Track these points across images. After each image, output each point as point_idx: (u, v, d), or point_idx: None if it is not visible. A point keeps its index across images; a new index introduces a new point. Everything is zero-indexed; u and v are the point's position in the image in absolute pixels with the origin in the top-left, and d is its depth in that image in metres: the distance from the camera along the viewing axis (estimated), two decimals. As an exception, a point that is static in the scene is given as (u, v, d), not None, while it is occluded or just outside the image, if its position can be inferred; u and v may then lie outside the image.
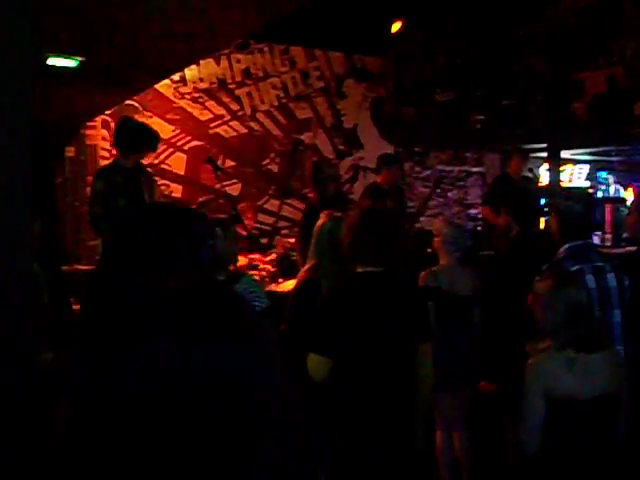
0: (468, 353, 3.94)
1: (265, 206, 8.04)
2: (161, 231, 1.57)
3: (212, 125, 7.73)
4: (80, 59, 4.46)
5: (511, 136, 7.53)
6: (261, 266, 5.63)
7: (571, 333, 2.60)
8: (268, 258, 5.88)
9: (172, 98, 7.45)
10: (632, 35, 6.40)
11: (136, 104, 7.07)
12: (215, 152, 7.50)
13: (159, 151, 7.31)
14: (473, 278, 4.07)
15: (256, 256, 5.74)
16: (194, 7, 3.67)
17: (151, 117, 7.26)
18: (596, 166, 9.80)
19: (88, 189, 5.60)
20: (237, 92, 7.91)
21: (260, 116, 8.06)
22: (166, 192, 7.37)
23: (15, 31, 1.89)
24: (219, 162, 7.17)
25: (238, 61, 7.88)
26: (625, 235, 6.30)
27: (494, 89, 7.71)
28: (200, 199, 6.07)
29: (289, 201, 8.14)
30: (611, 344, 2.90)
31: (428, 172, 9.19)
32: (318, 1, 4.72)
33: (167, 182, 7.42)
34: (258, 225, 7.57)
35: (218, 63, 7.71)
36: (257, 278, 5.05)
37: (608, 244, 6.50)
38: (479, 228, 7.78)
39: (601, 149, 8.50)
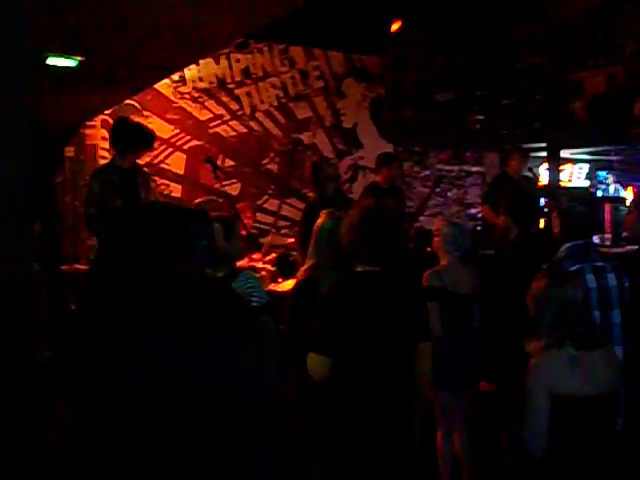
0: (469, 352, 3.95)
1: (264, 206, 8.04)
2: (154, 231, 1.57)
3: (211, 125, 7.73)
4: (79, 59, 4.46)
5: (510, 136, 7.53)
6: (260, 266, 5.63)
7: (566, 332, 2.60)
8: (267, 258, 5.88)
9: (172, 98, 7.45)
10: (631, 35, 6.40)
11: (136, 104, 7.07)
12: (214, 152, 7.51)
13: (158, 151, 7.33)
14: (473, 277, 4.07)
15: (255, 256, 5.74)
16: (193, 7, 3.67)
17: (150, 117, 7.26)
18: (596, 165, 9.81)
19: (87, 189, 5.59)
20: (236, 92, 7.91)
21: (259, 116, 8.06)
22: (165, 192, 7.37)
23: (14, 31, 1.89)
24: (218, 162, 7.18)
25: (237, 61, 7.88)
26: (625, 234, 6.29)
27: (494, 89, 7.70)
28: (197, 200, 6.05)
29: (289, 201, 8.14)
30: (608, 343, 2.90)
31: (427, 172, 9.19)
32: (317, 1, 4.71)
33: (166, 182, 7.42)
34: (257, 225, 7.57)
35: (217, 63, 7.71)
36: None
37: (607, 243, 6.49)
38: (478, 228, 7.78)
39: (600, 148, 8.50)
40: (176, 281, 1.55)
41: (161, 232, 1.57)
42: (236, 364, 1.52)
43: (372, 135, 8.83)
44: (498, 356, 4.13)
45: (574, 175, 9.75)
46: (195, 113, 7.62)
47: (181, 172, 7.53)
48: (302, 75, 8.36)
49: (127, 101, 6.76)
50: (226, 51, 7.60)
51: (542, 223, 6.53)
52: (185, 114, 7.54)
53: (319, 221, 3.44)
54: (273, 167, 8.17)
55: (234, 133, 7.88)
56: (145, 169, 5.30)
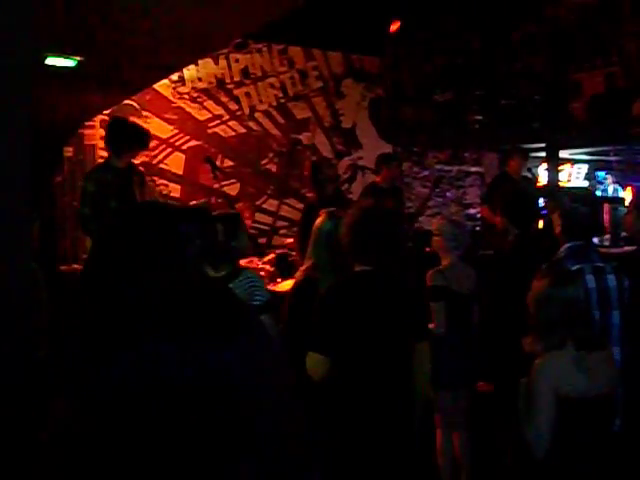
0: (469, 352, 3.95)
1: (263, 206, 8.04)
2: (145, 230, 1.57)
3: (210, 125, 7.73)
4: (79, 59, 4.46)
5: (509, 136, 7.54)
6: (259, 266, 5.62)
7: (567, 332, 2.60)
8: (266, 258, 5.88)
9: (171, 98, 7.44)
10: (631, 35, 6.41)
11: (135, 104, 7.07)
12: (213, 152, 7.51)
13: (157, 151, 7.33)
14: (473, 277, 4.08)
15: (254, 256, 5.74)
16: (193, 6, 3.67)
17: (149, 117, 7.26)
18: (594, 166, 9.82)
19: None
20: (235, 92, 7.91)
21: (259, 116, 8.06)
22: (164, 192, 7.37)
23: (13, 30, 1.89)
24: (217, 162, 7.18)
25: (237, 61, 7.88)
26: (624, 234, 6.30)
27: (493, 89, 7.71)
28: (192, 202, 6.03)
29: (287, 201, 8.14)
30: (608, 344, 2.90)
31: (426, 172, 9.19)
32: (316, 1, 4.71)
33: (165, 182, 7.42)
34: (256, 225, 7.57)
35: (217, 63, 7.71)
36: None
37: (606, 244, 6.50)
38: (478, 228, 7.78)
39: (599, 149, 8.51)
40: (169, 281, 1.55)
41: (152, 232, 1.57)
42: (233, 364, 1.52)
43: (371, 135, 8.83)
44: (496, 356, 4.13)
45: (573, 175, 9.76)
46: (194, 113, 7.62)
47: (180, 172, 7.52)
48: (301, 75, 8.36)
49: (126, 101, 6.75)
50: (225, 51, 7.61)
51: (541, 223, 6.55)
52: (184, 114, 7.54)
53: (318, 221, 3.44)
54: (272, 167, 8.17)
55: (233, 133, 7.88)
56: (141, 169, 5.28)
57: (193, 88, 7.59)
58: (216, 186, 6.67)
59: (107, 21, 3.82)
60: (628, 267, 3.36)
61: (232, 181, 7.72)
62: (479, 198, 8.73)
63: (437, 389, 3.85)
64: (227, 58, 7.79)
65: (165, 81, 6.99)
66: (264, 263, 5.74)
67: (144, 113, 7.22)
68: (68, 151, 6.86)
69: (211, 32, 4.19)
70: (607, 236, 6.56)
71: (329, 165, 6.20)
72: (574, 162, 9.62)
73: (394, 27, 8.08)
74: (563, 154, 8.27)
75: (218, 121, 7.78)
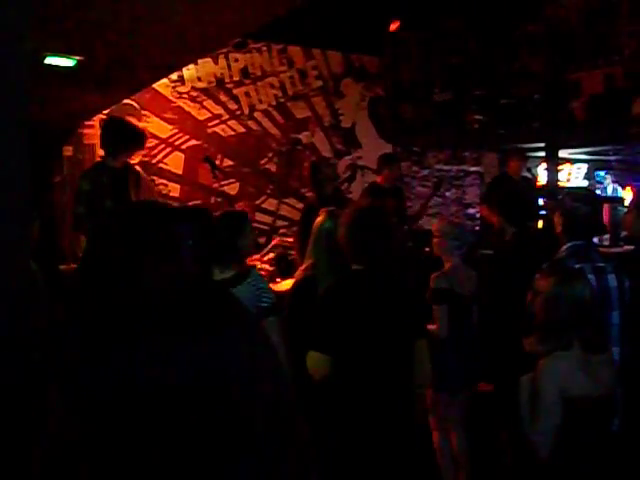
0: (469, 353, 3.93)
1: (263, 205, 8.04)
2: (139, 230, 1.57)
3: (210, 124, 7.73)
4: (78, 58, 4.45)
5: (509, 135, 7.54)
6: (259, 266, 5.62)
7: (574, 332, 2.59)
8: (266, 258, 5.88)
9: (170, 97, 7.44)
10: (630, 35, 6.41)
11: (134, 103, 7.06)
12: (213, 151, 7.51)
13: (157, 150, 7.33)
14: (474, 278, 4.06)
15: (254, 256, 5.73)
16: (192, 6, 3.67)
17: (149, 116, 7.26)
18: (594, 165, 9.81)
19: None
20: (235, 91, 7.90)
21: (258, 115, 8.06)
22: (164, 191, 7.37)
23: (13, 30, 1.89)
24: (217, 161, 7.18)
25: (236, 60, 7.88)
26: (623, 234, 6.31)
27: (492, 89, 7.71)
28: (189, 204, 6.01)
29: (287, 200, 8.14)
30: (610, 346, 2.90)
31: (426, 172, 9.19)
32: (316, 1, 4.71)
33: (165, 181, 7.42)
34: (256, 225, 7.56)
35: (216, 62, 7.71)
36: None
37: (606, 243, 6.51)
38: (477, 228, 7.78)
39: (599, 148, 8.50)
40: (164, 281, 1.55)
41: (146, 232, 1.57)
42: (231, 364, 1.52)
43: (371, 135, 8.83)
44: (496, 356, 4.12)
45: (572, 175, 9.75)
46: (193, 113, 7.61)
47: (179, 172, 7.52)
48: (300, 75, 8.36)
49: (125, 101, 6.75)
50: (224, 51, 7.60)
51: (540, 223, 6.55)
52: (183, 114, 7.54)
53: (318, 220, 3.44)
54: (272, 167, 8.17)
55: (233, 133, 7.88)
56: (137, 168, 5.27)
57: (192, 88, 7.58)
58: (215, 186, 6.67)
59: (106, 21, 3.82)
60: (628, 267, 3.35)
61: (231, 181, 7.71)
62: (479, 198, 8.74)
63: (438, 391, 3.85)
64: (226, 58, 7.79)
65: (164, 81, 6.98)
66: (263, 263, 5.74)
67: (143, 113, 7.21)
68: (68, 150, 6.86)
69: (211, 32, 4.18)
70: (606, 236, 6.56)
71: (328, 165, 6.21)
72: (573, 162, 9.61)
73: (394, 27, 8.09)
74: (562, 154, 8.26)
75: (217, 121, 7.78)
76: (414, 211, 7.76)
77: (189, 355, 1.47)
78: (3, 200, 1.84)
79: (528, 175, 7.23)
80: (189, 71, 7.44)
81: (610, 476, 2.66)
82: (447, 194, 9.32)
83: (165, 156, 7.43)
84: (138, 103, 7.12)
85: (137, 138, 5.04)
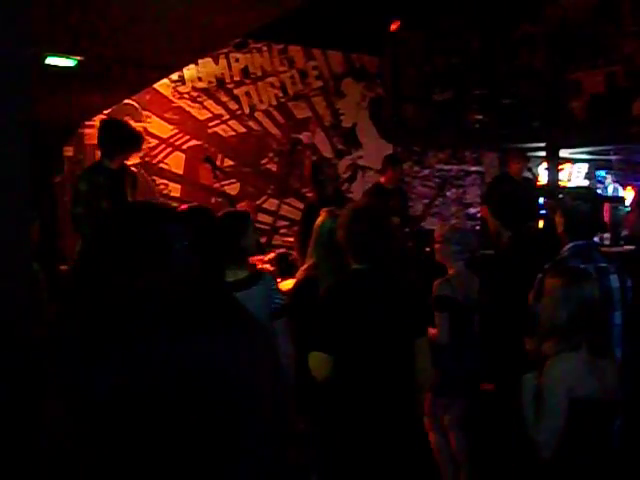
0: (470, 358, 3.89)
1: (264, 205, 8.04)
2: (129, 231, 1.57)
3: (211, 124, 7.73)
4: (79, 59, 4.45)
5: (510, 135, 7.53)
6: (260, 266, 5.62)
7: (582, 334, 2.58)
8: (267, 257, 5.87)
9: (171, 97, 7.44)
10: (631, 34, 6.40)
11: (135, 103, 7.07)
12: (214, 151, 7.51)
13: (157, 150, 7.33)
14: (477, 283, 4.00)
15: (255, 256, 5.73)
16: (192, 6, 3.67)
17: (150, 116, 7.26)
18: (595, 165, 9.79)
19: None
20: (236, 91, 7.91)
21: (259, 115, 8.06)
22: (165, 191, 7.37)
23: (13, 30, 1.89)
24: (218, 161, 7.18)
25: (237, 60, 7.88)
26: (624, 234, 6.31)
27: (492, 88, 7.71)
28: (182, 206, 5.94)
29: (288, 200, 8.14)
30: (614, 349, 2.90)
31: (427, 171, 9.19)
32: (316, 0, 4.71)
33: (165, 181, 7.42)
34: (257, 225, 7.56)
35: (217, 62, 7.71)
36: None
37: (607, 243, 6.50)
38: (477, 227, 7.77)
39: (599, 148, 8.49)
40: (161, 281, 1.55)
41: (135, 232, 1.58)
42: (230, 364, 1.52)
43: (371, 135, 8.83)
44: (496, 356, 4.11)
45: (573, 175, 9.73)
46: (194, 113, 7.61)
47: (180, 172, 7.52)
48: (301, 75, 8.36)
49: (126, 101, 6.75)
50: (225, 51, 7.60)
51: (541, 223, 6.54)
52: (184, 114, 7.54)
53: (319, 220, 3.44)
54: (272, 167, 8.17)
55: (233, 133, 7.88)
56: (134, 169, 5.27)
57: (193, 88, 7.59)
58: (216, 186, 6.67)
59: (107, 21, 3.82)
60: (630, 267, 3.35)
61: (232, 181, 7.72)
62: (479, 197, 8.73)
63: (438, 395, 3.84)
64: (227, 58, 7.79)
65: (165, 81, 6.98)
66: (264, 263, 5.74)
67: (144, 113, 7.22)
68: (68, 151, 6.86)
69: (211, 32, 4.18)
70: (607, 235, 6.56)
71: (329, 165, 6.21)
72: (574, 161, 9.60)
73: (394, 26, 8.08)
74: (563, 153, 8.24)
75: (218, 121, 7.78)
76: (417, 212, 7.76)
77: (187, 355, 1.47)
78: (3, 200, 1.84)
79: (529, 175, 7.23)
80: (190, 71, 7.44)
81: (612, 476, 2.66)
82: (448, 194, 9.32)
83: (166, 156, 7.44)
84: (139, 103, 7.12)
85: (133, 140, 5.04)
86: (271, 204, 8.10)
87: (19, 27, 1.91)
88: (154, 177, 7.25)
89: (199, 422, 1.45)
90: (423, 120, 8.42)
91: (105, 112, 6.56)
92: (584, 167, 9.78)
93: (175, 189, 7.47)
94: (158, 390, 1.44)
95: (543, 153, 7.95)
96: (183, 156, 7.54)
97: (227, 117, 7.83)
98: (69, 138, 6.78)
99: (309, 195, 6.54)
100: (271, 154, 8.15)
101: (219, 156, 7.60)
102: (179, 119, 7.50)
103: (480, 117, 7.81)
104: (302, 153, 8.29)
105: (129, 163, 5.44)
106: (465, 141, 8.75)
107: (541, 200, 7.06)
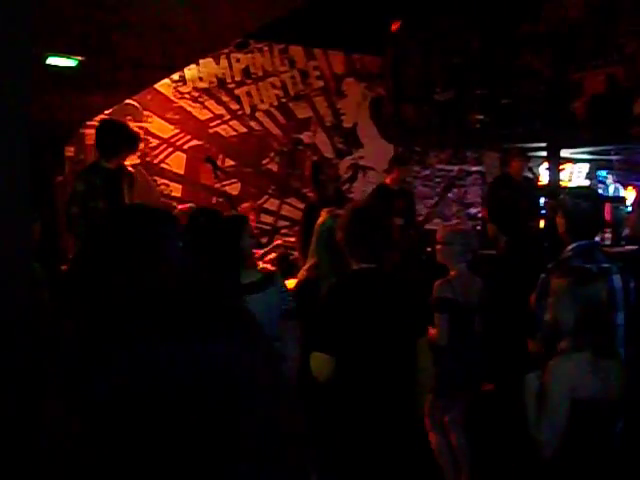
0: (471, 360, 3.89)
1: (265, 206, 8.04)
2: (123, 231, 1.58)
3: (212, 124, 7.73)
4: (79, 59, 4.45)
5: (510, 135, 7.53)
6: (261, 266, 5.61)
7: (588, 335, 2.58)
8: (268, 258, 5.87)
9: (172, 97, 7.45)
10: (631, 34, 6.40)
11: (136, 103, 7.07)
12: (214, 151, 7.51)
13: (158, 150, 7.34)
14: (479, 285, 3.99)
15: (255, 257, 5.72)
16: (192, 6, 3.67)
17: (151, 116, 7.26)
18: (596, 165, 9.79)
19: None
20: (237, 91, 7.91)
21: (260, 115, 8.06)
22: (165, 192, 7.37)
23: (14, 30, 1.89)
24: (219, 161, 7.18)
25: (237, 60, 7.88)
26: (625, 233, 6.30)
27: (494, 88, 7.70)
28: (179, 207, 5.91)
29: (289, 200, 8.14)
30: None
31: (427, 171, 9.18)
32: (317, 0, 4.71)
33: (166, 181, 7.42)
34: (258, 224, 7.56)
35: (218, 62, 7.71)
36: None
37: (608, 243, 6.50)
38: (478, 227, 7.77)
39: (600, 148, 8.49)
40: (159, 281, 1.55)
41: (129, 233, 1.58)
42: (229, 364, 1.52)
43: (372, 135, 8.82)
44: (497, 356, 4.11)
45: (574, 175, 9.73)
46: (195, 113, 7.62)
47: (181, 172, 7.53)
48: (302, 75, 8.36)
49: (127, 101, 6.75)
50: (226, 51, 7.61)
51: (542, 223, 6.54)
52: (185, 114, 7.54)
53: (320, 221, 3.45)
54: (273, 167, 8.17)
55: (234, 133, 7.88)
56: (132, 169, 5.26)
57: (194, 88, 7.59)
58: (217, 186, 6.67)
59: (108, 21, 3.82)
60: (633, 268, 3.34)
61: (233, 181, 7.72)
62: (480, 197, 8.73)
63: (438, 396, 3.83)
64: (228, 58, 7.79)
65: (166, 81, 6.98)
66: (265, 263, 5.73)
67: (145, 113, 7.22)
68: (69, 151, 6.87)
69: (212, 32, 4.18)
70: (608, 235, 6.56)
71: (330, 165, 6.22)
72: (575, 161, 9.60)
73: (395, 26, 8.08)
74: (564, 153, 8.24)
75: (219, 121, 7.79)
76: (419, 212, 7.74)
77: (187, 355, 1.47)
78: (4, 200, 1.84)
79: (530, 175, 7.22)
80: (191, 71, 7.44)
81: (613, 477, 2.66)
82: (449, 194, 9.32)
83: (167, 156, 7.44)
84: (140, 103, 7.13)
85: (130, 141, 5.04)
86: (272, 204, 8.10)
87: (20, 27, 1.91)
88: (155, 177, 7.25)
89: (199, 422, 1.45)
90: (424, 120, 8.41)
91: (106, 112, 6.56)
92: (585, 167, 9.78)
93: (176, 189, 7.47)
94: (158, 390, 1.44)
95: (544, 153, 7.95)
96: (184, 156, 7.54)
97: (228, 117, 7.83)
98: (70, 138, 6.77)
99: (310, 195, 6.53)
100: (272, 154, 8.16)
101: (220, 156, 7.60)
102: (180, 119, 7.51)
103: (481, 117, 7.81)
104: (303, 153, 8.29)
105: (129, 163, 5.44)
106: (466, 141, 8.74)
107: (542, 200, 7.06)
